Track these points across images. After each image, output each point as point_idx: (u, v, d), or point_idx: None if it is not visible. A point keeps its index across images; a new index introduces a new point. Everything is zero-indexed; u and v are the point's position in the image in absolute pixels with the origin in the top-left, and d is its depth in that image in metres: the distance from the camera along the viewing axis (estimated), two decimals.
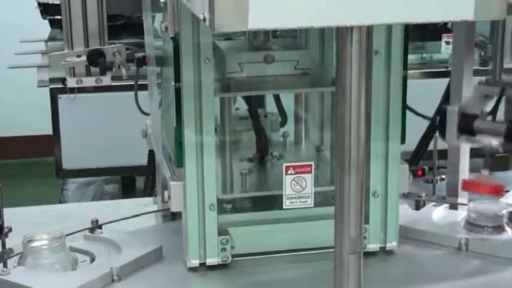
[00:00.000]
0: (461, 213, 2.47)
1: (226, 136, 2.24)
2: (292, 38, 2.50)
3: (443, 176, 2.66)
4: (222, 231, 2.17)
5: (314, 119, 2.48)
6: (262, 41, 2.30)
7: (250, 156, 2.37)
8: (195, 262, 2.16)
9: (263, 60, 2.24)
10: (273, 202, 2.23)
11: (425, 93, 3.35)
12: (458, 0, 1.57)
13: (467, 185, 2.42)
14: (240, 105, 2.41)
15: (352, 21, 1.56)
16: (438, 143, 2.69)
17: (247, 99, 2.33)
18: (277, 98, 2.47)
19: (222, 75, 2.21)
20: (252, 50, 2.29)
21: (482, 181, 2.42)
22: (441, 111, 2.34)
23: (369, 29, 2.04)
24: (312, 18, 1.54)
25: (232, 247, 2.17)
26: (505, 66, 2.43)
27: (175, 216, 2.46)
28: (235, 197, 2.27)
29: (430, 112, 2.97)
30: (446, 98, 2.75)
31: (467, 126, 2.29)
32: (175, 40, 2.07)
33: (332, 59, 2.38)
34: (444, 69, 4.44)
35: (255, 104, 2.34)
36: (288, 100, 2.49)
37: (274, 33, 2.34)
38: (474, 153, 3.05)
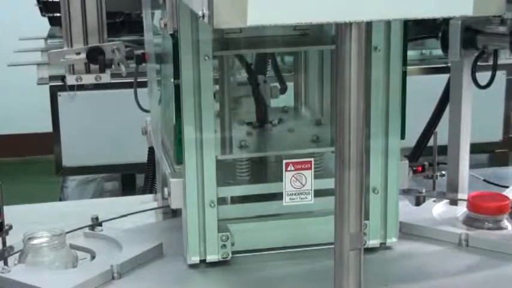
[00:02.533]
0: (462, 209, 2.47)
1: (226, 98, 2.22)
2: None
3: (443, 172, 2.66)
4: (222, 228, 2.17)
5: (313, 86, 2.46)
6: None
7: (249, 121, 2.37)
8: (195, 259, 2.16)
9: None
10: (273, 199, 2.23)
11: (425, 89, 3.36)
12: None
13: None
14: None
15: (351, 17, 1.57)
16: (438, 139, 2.69)
17: (246, 64, 2.31)
18: (275, 66, 2.46)
19: (220, 36, 2.19)
20: None
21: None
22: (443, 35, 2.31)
23: (368, 25, 2.04)
24: (311, 14, 1.54)
25: (233, 244, 2.17)
26: None
27: (175, 213, 2.46)
28: (235, 190, 2.24)
29: (430, 108, 2.97)
30: (446, 94, 2.75)
31: (471, 40, 2.29)
32: (175, 37, 2.06)
33: None
34: (444, 65, 4.45)
35: (254, 69, 2.34)
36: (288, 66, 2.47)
37: None
38: (475, 149, 3.05)
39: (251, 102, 2.36)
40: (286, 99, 2.55)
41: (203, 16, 1.53)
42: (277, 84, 2.50)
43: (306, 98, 2.51)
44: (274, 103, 2.50)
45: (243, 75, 2.38)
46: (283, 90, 2.50)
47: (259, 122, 2.36)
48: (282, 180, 2.12)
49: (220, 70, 2.22)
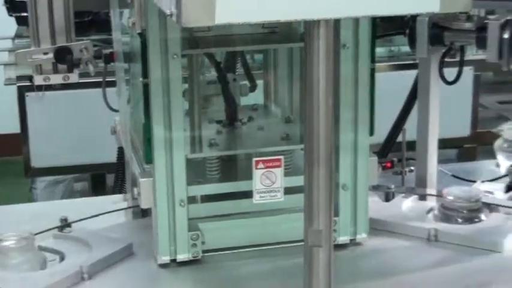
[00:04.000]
0: (431, 204, 2.49)
1: (195, 97, 2.22)
2: None
3: (412, 168, 2.68)
4: (192, 227, 2.17)
5: (283, 82, 2.46)
6: None
7: (219, 119, 2.37)
8: (165, 258, 2.16)
9: None
10: (243, 197, 2.23)
11: (394, 86, 3.38)
12: None
13: None
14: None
15: (320, 15, 1.57)
16: (407, 135, 2.71)
17: (215, 62, 2.31)
18: (245, 64, 2.46)
19: (189, 34, 2.19)
20: None
21: None
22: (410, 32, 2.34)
23: (337, 23, 2.04)
24: (279, 12, 1.54)
25: (203, 243, 2.17)
26: None
27: (145, 212, 2.45)
28: (205, 189, 2.24)
29: (399, 104, 2.99)
30: (414, 90, 2.76)
31: (438, 36, 2.30)
32: (143, 36, 2.06)
33: None
34: (412, 62, 4.48)
35: (223, 67, 2.33)
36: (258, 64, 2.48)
37: None
38: (443, 144, 3.07)
39: (221, 100, 2.36)
40: (256, 97, 2.55)
41: (171, 15, 1.53)
42: (246, 82, 2.50)
43: (276, 96, 2.52)
44: (244, 101, 2.50)
45: (212, 74, 2.37)
46: (253, 88, 2.50)
47: (229, 120, 2.36)
48: (252, 179, 2.13)
49: (189, 69, 2.21)
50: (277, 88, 2.51)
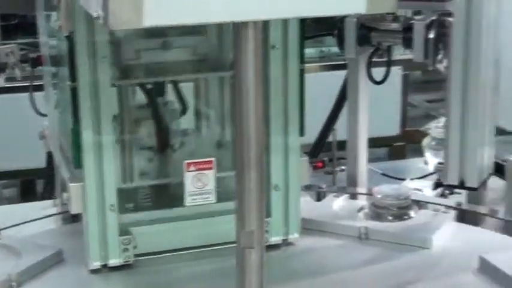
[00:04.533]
0: (361, 203, 2.51)
1: (125, 125, 2.21)
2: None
3: (343, 167, 2.71)
4: (123, 231, 2.15)
5: (214, 107, 2.46)
6: (160, 28, 2.27)
7: (150, 145, 2.34)
8: (96, 264, 2.13)
9: (161, 46, 2.22)
10: (175, 200, 2.22)
11: (325, 86, 3.40)
12: None
13: None
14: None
15: (248, 16, 1.57)
16: (338, 135, 2.74)
17: (145, 87, 2.29)
18: (176, 86, 2.45)
19: (119, 63, 2.17)
20: (149, 36, 2.26)
21: None
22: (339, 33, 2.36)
23: (265, 24, 2.05)
24: (208, 14, 1.53)
25: (135, 247, 2.15)
26: None
27: (75, 218, 2.42)
28: (137, 196, 2.24)
29: (331, 104, 3.02)
30: (344, 90, 2.79)
31: (365, 37, 2.33)
32: (70, 39, 2.03)
33: (230, 43, 2.37)
34: (343, 62, 4.52)
35: (153, 92, 2.32)
36: (188, 89, 2.47)
37: None
38: (374, 143, 3.11)
39: (152, 125, 2.33)
40: (188, 120, 2.51)
41: (98, 17, 1.51)
42: (177, 105, 2.47)
43: (208, 121, 2.49)
44: (175, 125, 2.47)
45: (143, 98, 2.34)
46: (184, 111, 2.47)
47: (161, 146, 2.31)
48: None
49: (118, 95, 2.19)
50: (209, 113, 2.49)
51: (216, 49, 2.35)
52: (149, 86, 2.27)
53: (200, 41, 2.26)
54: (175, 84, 2.37)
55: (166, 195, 2.27)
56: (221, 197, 2.18)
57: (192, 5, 1.51)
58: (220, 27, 2.38)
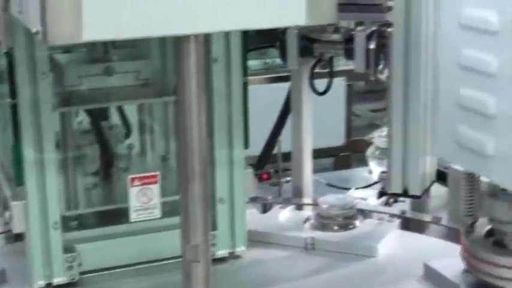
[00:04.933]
0: (307, 213, 2.52)
1: (69, 151, 2.19)
2: (133, 49, 2.48)
3: (288, 178, 2.71)
4: (68, 249, 2.12)
5: (159, 129, 2.46)
6: (102, 53, 2.27)
7: (95, 170, 2.33)
8: (40, 283, 2.10)
9: (103, 72, 2.21)
10: (120, 216, 2.20)
11: (270, 98, 3.41)
12: (290, 6, 1.60)
13: None
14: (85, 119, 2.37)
15: (188, 30, 1.57)
16: (283, 146, 2.75)
17: (89, 112, 2.28)
18: (120, 110, 2.44)
19: (61, 89, 2.16)
20: (92, 62, 2.25)
21: None
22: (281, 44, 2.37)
23: (207, 37, 2.05)
24: (148, 28, 1.53)
25: (80, 264, 2.13)
26: None
27: (18, 237, 2.37)
28: (81, 213, 2.22)
29: (276, 116, 3.02)
30: (288, 102, 2.80)
31: (307, 48, 2.35)
32: (10, 55, 2.00)
33: (174, 67, 2.37)
34: (287, 74, 4.54)
35: (97, 116, 2.30)
36: (132, 111, 2.46)
37: (114, 44, 2.31)
38: (319, 154, 3.12)
39: (96, 149, 2.31)
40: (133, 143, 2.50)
41: (37, 33, 1.49)
42: (122, 129, 2.45)
43: (152, 144, 2.48)
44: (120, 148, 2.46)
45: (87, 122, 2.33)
46: (128, 134, 2.46)
47: (105, 170, 2.30)
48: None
49: (61, 120, 2.17)
50: (153, 135, 2.48)
51: (160, 73, 2.35)
52: (93, 111, 2.26)
53: (143, 65, 2.26)
54: (119, 108, 2.36)
55: (111, 212, 2.24)
56: (167, 212, 2.17)
57: (131, 19, 1.50)
58: (163, 51, 2.38)
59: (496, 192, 1.97)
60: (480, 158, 1.88)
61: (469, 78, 1.90)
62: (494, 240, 2.02)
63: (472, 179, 2.03)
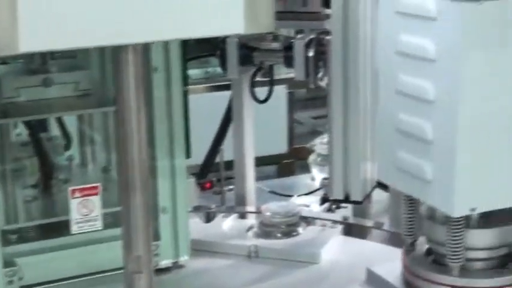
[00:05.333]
0: (251, 222, 2.53)
1: (8, 163, 2.16)
2: (72, 59, 2.46)
3: (231, 187, 2.71)
4: (8, 263, 2.09)
5: (99, 140, 2.44)
6: (40, 64, 2.24)
7: (34, 183, 2.30)
8: None
9: (42, 83, 2.19)
10: (61, 228, 2.18)
11: (212, 107, 3.41)
12: (229, 15, 1.61)
13: None
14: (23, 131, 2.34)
15: (126, 39, 1.56)
16: (226, 155, 2.74)
17: (27, 124, 2.25)
18: (60, 121, 2.41)
19: None
20: (30, 73, 2.23)
21: None
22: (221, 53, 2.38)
23: (146, 47, 2.05)
24: (86, 38, 1.52)
25: (21, 278, 2.10)
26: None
27: None
28: (20, 227, 2.19)
29: (217, 124, 3.02)
30: (229, 110, 2.81)
31: (247, 57, 2.35)
32: None
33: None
34: (228, 82, 4.54)
35: (36, 128, 2.28)
36: (72, 122, 2.44)
37: (53, 55, 2.29)
38: (262, 161, 3.13)
39: (35, 161, 2.28)
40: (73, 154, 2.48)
41: None
42: (61, 141, 2.43)
43: (93, 154, 2.46)
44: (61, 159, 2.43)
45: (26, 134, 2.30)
46: (68, 145, 2.43)
47: (45, 182, 2.28)
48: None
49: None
50: (94, 146, 2.46)
51: (100, 83, 2.33)
52: (32, 122, 2.23)
53: (82, 76, 2.24)
54: (59, 119, 2.34)
55: (52, 224, 2.22)
56: (108, 223, 2.15)
57: (69, 29, 1.49)
58: (102, 60, 2.37)
59: (434, 215, 2.00)
60: (419, 182, 1.91)
61: (407, 103, 1.92)
62: (434, 258, 2.05)
63: (412, 200, 2.05)
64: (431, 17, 1.81)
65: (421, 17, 1.84)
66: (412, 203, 2.05)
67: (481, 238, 1.95)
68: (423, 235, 2.07)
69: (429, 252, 2.08)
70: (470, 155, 1.80)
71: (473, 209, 1.84)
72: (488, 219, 1.95)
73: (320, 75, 2.28)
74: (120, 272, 1.82)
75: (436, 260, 2.04)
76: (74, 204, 2.09)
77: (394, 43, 1.95)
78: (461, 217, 1.89)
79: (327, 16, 2.28)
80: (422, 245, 2.09)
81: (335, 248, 2.38)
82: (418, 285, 2.01)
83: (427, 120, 1.87)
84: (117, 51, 1.63)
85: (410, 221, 2.07)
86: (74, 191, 2.09)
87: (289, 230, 2.45)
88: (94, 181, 2.21)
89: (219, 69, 4.77)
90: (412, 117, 1.91)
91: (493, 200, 1.86)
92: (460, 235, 1.91)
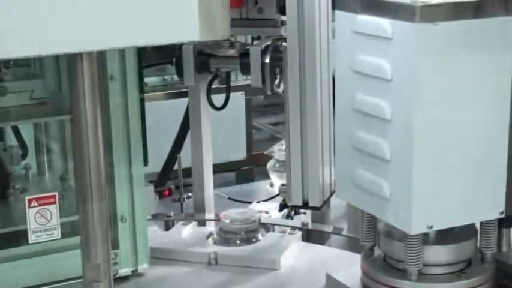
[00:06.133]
0: (210, 229, 2.53)
1: None
2: (27, 67, 2.44)
3: (189, 194, 2.71)
4: None
5: (56, 148, 2.43)
6: None
7: None
8: None
9: None
10: (19, 238, 2.15)
11: (169, 114, 3.41)
12: (184, 22, 1.60)
13: None
14: None
15: (80, 47, 1.55)
16: (185, 162, 2.74)
17: None
18: (16, 130, 2.39)
19: None
20: None
21: None
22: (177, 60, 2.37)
23: (101, 55, 2.04)
24: (39, 47, 1.50)
25: None
26: None
27: None
28: None
29: (175, 132, 3.02)
30: (187, 118, 2.80)
31: (204, 64, 2.34)
32: None
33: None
34: (186, 89, 4.53)
35: None
36: (29, 131, 2.42)
37: (7, 64, 2.27)
38: (221, 168, 3.13)
39: None
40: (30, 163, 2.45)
41: None
42: (18, 150, 2.41)
43: (50, 163, 2.44)
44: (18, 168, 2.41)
45: None
46: (25, 154, 2.41)
47: (1, 190, 2.26)
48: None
49: None
50: (50, 156, 2.44)
51: (55, 92, 2.32)
52: None
53: (37, 84, 2.22)
54: (15, 128, 2.32)
55: (10, 234, 2.19)
56: (66, 232, 2.14)
57: (21, 38, 1.48)
58: (58, 69, 2.35)
59: (391, 231, 2.00)
60: (376, 199, 1.92)
61: (364, 121, 1.93)
62: (388, 265, 2.05)
63: (370, 216, 2.06)
64: (387, 37, 1.82)
65: (377, 37, 1.85)
66: (370, 219, 2.06)
67: (438, 254, 1.96)
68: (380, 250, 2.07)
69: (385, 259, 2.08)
70: (426, 173, 1.82)
71: (430, 227, 1.86)
72: (446, 236, 1.97)
73: (277, 81, 2.29)
74: (79, 281, 1.80)
75: (393, 266, 2.04)
76: (31, 213, 2.06)
77: (352, 62, 1.94)
78: (418, 234, 1.90)
79: (283, 23, 2.29)
80: (377, 253, 2.09)
81: (294, 254, 2.38)
82: None
83: (384, 139, 1.87)
84: (72, 59, 1.62)
85: (368, 228, 2.07)
86: (30, 200, 2.07)
87: (249, 237, 2.45)
88: (51, 190, 2.20)
89: (176, 77, 4.80)
90: (369, 135, 1.92)
91: (449, 218, 1.88)
92: (418, 251, 1.92)
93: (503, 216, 1.92)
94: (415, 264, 1.93)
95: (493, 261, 2.02)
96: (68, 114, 2.19)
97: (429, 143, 1.81)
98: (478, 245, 2.01)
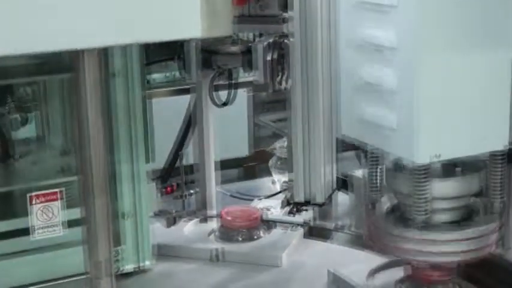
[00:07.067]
0: (212, 226, 2.53)
1: None
2: None
3: (191, 191, 2.71)
4: None
5: (56, 113, 2.40)
6: None
7: None
8: None
9: None
10: (22, 232, 2.15)
11: (173, 111, 3.40)
12: (186, 19, 1.61)
13: None
14: None
15: (83, 44, 1.56)
16: (188, 159, 2.73)
17: None
18: (16, 96, 2.38)
19: None
20: None
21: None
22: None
23: (105, 52, 2.04)
24: (43, 43, 1.52)
25: None
26: None
27: None
28: None
29: (178, 129, 3.01)
30: (191, 114, 2.80)
31: (206, 61, 2.34)
32: None
33: None
34: (190, 86, 4.52)
35: None
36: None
37: None
38: (225, 165, 3.12)
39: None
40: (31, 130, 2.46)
41: None
42: (18, 115, 2.41)
43: (50, 128, 2.44)
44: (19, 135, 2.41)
45: None
46: (25, 121, 2.41)
47: (1, 156, 2.27)
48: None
49: None
50: (52, 119, 2.44)
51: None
52: None
53: None
54: (14, 93, 2.31)
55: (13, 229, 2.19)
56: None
57: (25, 34, 1.49)
58: None
59: (398, 167, 1.96)
60: (383, 133, 1.88)
61: (369, 54, 1.89)
62: (397, 215, 2.01)
63: (375, 156, 2.01)
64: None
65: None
66: (375, 158, 2.02)
67: (445, 187, 1.93)
68: (388, 188, 2.04)
69: (391, 210, 2.04)
70: (432, 103, 1.79)
71: (437, 156, 1.83)
72: (451, 170, 1.94)
73: (279, 78, 2.29)
74: (81, 277, 1.81)
75: (400, 217, 2.00)
76: (34, 210, 2.07)
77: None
78: (425, 166, 1.87)
79: (286, 19, 2.29)
80: (383, 205, 2.06)
81: (297, 251, 2.38)
82: (384, 242, 1.99)
83: (390, 69, 1.83)
84: (75, 56, 1.62)
85: (373, 176, 2.02)
86: (32, 197, 2.07)
87: (251, 234, 2.45)
88: (52, 156, 2.23)
89: (178, 73, 4.78)
90: (376, 66, 1.87)
91: (455, 148, 1.85)
92: (425, 185, 1.88)
93: (507, 148, 1.90)
94: (423, 200, 1.89)
95: (500, 213, 1.99)
96: (68, 73, 2.14)
97: (435, 70, 1.78)
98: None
